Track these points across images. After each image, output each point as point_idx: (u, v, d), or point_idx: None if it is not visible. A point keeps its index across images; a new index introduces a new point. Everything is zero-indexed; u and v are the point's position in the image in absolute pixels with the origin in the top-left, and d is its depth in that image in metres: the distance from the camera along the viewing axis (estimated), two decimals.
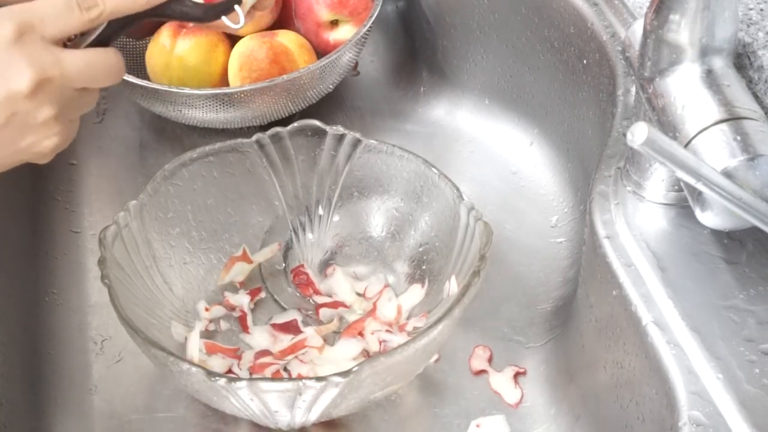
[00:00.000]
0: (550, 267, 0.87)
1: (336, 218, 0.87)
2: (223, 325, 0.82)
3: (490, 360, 0.80)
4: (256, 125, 0.94)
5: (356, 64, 1.04)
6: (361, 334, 0.80)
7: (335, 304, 0.83)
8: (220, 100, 0.89)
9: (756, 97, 0.65)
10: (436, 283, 0.81)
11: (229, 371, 0.77)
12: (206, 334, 0.80)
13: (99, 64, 0.63)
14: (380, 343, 0.79)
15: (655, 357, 0.61)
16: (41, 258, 0.87)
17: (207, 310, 0.81)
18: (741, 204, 0.58)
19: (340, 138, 0.83)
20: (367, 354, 0.79)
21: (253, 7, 0.87)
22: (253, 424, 0.75)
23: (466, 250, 0.76)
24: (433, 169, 0.81)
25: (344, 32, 0.96)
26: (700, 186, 0.57)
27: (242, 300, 0.83)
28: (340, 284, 0.84)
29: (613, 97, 0.78)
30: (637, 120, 0.71)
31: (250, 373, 0.77)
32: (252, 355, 0.79)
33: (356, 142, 0.83)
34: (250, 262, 0.85)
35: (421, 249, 0.83)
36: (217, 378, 0.65)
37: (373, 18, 0.94)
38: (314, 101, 0.95)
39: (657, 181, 0.69)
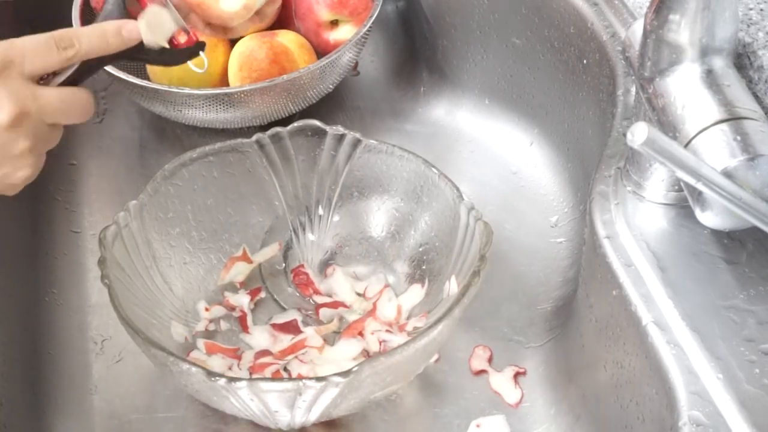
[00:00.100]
0: (550, 267, 0.87)
1: (336, 218, 0.87)
2: (223, 325, 0.82)
3: (490, 360, 0.80)
4: (256, 125, 0.94)
5: (356, 64, 1.04)
6: (361, 334, 0.80)
7: (335, 304, 0.83)
8: (220, 100, 0.90)
9: (756, 97, 0.65)
10: (436, 283, 0.81)
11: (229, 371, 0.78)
12: (206, 334, 0.80)
13: (72, 102, 0.67)
14: (380, 343, 0.79)
15: (655, 357, 0.61)
16: (41, 258, 0.87)
17: (207, 310, 0.81)
18: (741, 204, 0.58)
19: (340, 138, 0.83)
20: (367, 354, 0.79)
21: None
22: (253, 424, 0.75)
23: (466, 250, 0.76)
24: (433, 169, 0.81)
25: (344, 32, 0.96)
26: (700, 186, 0.57)
27: (242, 300, 0.83)
28: (340, 284, 0.84)
29: (613, 97, 0.78)
30: (637, 120, 0.71)
31: (250, 373, 0.77)
32: (252, 355, 0.79)
33: (356, 142, 0.83)
34: (250, 262, 0.85)
35: (421, 249, 0.83)
36: (217, 378, 0.65)
37: (373, 18, 0.94)
38: (314, 101, 0.95)
39: (657, 181, 0.69)
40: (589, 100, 0.86)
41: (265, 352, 0.79)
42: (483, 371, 0.80)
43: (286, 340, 0.80)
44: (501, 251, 0.87)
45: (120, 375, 0.80)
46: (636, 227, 0.68)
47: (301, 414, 0.69)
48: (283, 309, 0.83)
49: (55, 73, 0.68)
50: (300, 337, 0.80)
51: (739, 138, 0.60)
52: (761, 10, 0.70)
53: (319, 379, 0.65)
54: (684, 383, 0.59)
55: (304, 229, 0.87)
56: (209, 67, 0.93)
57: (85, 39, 0.67)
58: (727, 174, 0.59)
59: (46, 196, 0.93)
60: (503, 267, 0.87)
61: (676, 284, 0.64)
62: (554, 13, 0.88)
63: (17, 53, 0.63)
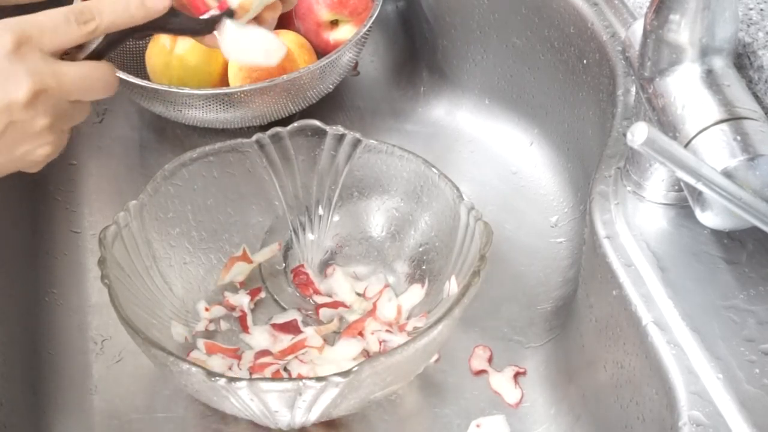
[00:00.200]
0: (550, 267, 0.87)
1: (336, 218, 0.87)
2: (223, 325, 0.82)
3: (490, 360, 0.80)
4: (256, 125, 0.94)
5: (356, 64, 1.04)
6: (361, 334, 0.80)
7: (335, 304, 0.83)
8: (220, 100, 0.89)
9: (756, 97, 0.65)
10: (436, 283, 0.80)
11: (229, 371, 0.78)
12: (206, 334, 0.80)
13: (94, 77, 0.65)
14: (380, 343, 0.79)
15: (655, 357, 0.61)
16: (41, 258, 0.87)
17: (207, 310, 0.81)
18: (741, 204, 0.58)
19: (340, 138, 0.83)
20: (367, 354, 0.79)
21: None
22: (253, 424, 0.75)
23: (466, 250, 0.76)
24: (433, 169, 0.81)
25: (344, 32, 0.96)
26: (700, 186, 0.57)
27: (242, 300, 0.83)
28: (340, 284, 0.84)
29: (613, 97, 0.78)
30: (637, 120, 0.71)
31: (250, 373, 0.77)
32: (252, 355, 0.79)
33: (356, 142, 0.83)
34: (250, 262, 0.85)
35: (421, 249, 0.83)
36: (217, 378, 0.65)
37: (373, 18, 0.94)
38: (314, 101, 0.95)
39: (657, 181, 0.69)
40: (589, 100, 0.86)
41: (265, 352, 0.79)
42: (483, 371, 0.79)
43: (286, 340, 0.80)
44: (501, 251, 0.87)
45: (120, 375, 0.80)
46: (636, 227, 0.68)
47: (301, 414, 0.69)
48: (283, 309, 0.83)
49: (80, 47, 0.65)
50: (300, 337, 0.80)
51: (739, 138, 0.60)
52: (761, 10, 0.70)
53: (319, 379, 0.65)
54: (684, 383, 0.59)
55: (304, 229, 0.87)
56: (209, 66, 0.94)
57: (107, 12, 0.64)
58: (727, 174, 0.59)
59: (46, 196, 0.93)
60: (503, 267, 0.87)
61: (676, 284, 0.64)
62: (554, 13, 0.88)
63: (35, 29, 0.62)
